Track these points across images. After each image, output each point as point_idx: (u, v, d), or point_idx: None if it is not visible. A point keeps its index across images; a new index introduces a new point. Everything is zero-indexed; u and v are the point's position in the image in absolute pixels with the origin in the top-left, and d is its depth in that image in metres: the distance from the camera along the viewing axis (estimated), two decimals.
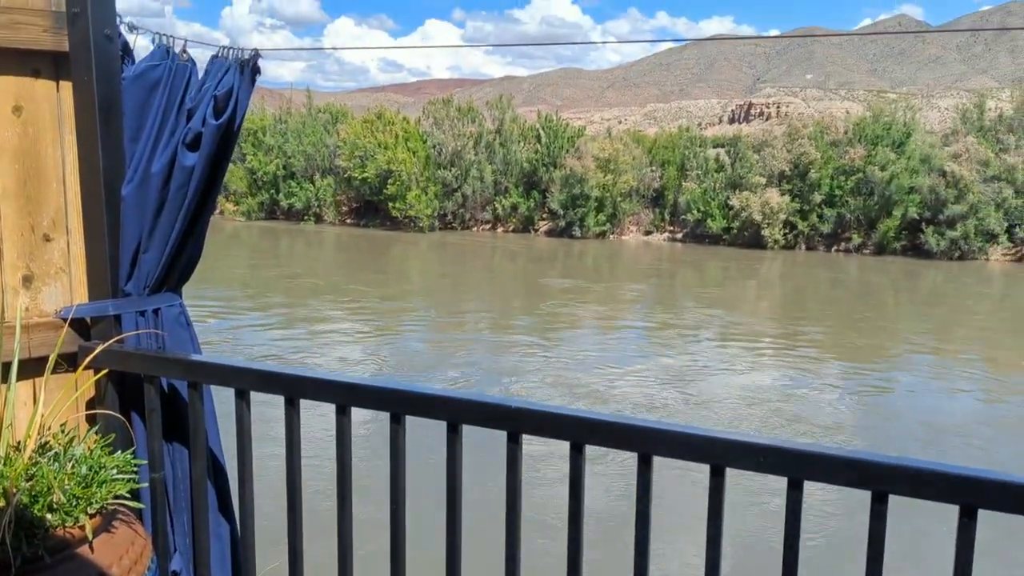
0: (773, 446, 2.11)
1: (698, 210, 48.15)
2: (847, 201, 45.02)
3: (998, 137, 44.27)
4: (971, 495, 1.89)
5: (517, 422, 2.42)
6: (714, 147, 53.75)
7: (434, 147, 54.66)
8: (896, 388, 18.96)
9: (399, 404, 2.64)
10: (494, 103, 56.68)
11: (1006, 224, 42.12)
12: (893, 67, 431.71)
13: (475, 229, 54.87)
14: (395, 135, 53.02)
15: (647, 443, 2.25)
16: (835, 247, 46.23)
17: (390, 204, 52.35)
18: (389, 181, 51.88)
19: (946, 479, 1.92)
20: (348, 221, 57.09)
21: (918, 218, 43.41)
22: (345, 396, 2.71)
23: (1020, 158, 41.89)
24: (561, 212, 50.62)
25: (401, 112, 61.17)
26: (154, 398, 3.00)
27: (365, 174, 52.68)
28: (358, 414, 2.74)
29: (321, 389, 2.78)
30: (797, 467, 2.06)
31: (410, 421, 2.63)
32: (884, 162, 43.75)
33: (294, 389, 2.78)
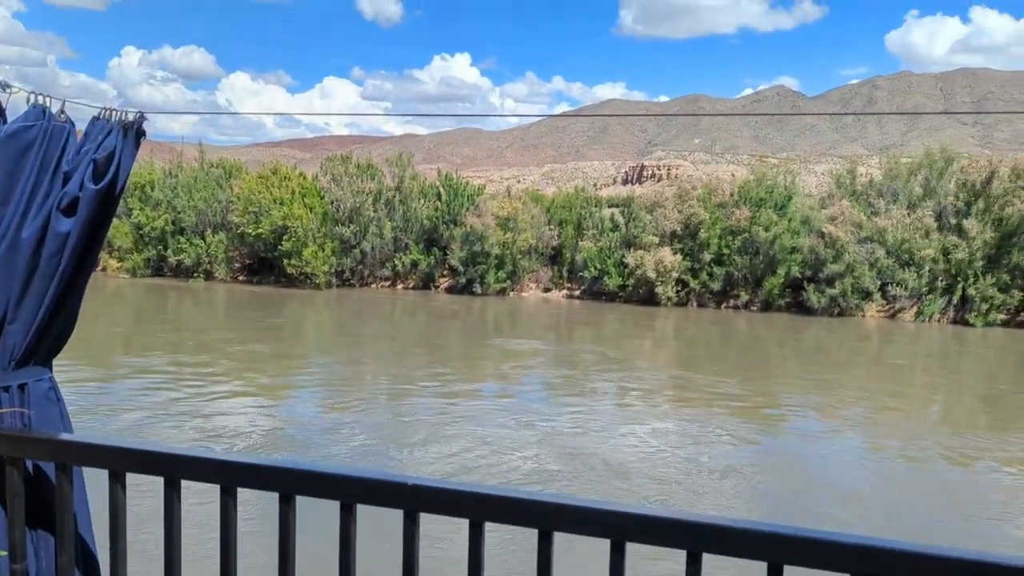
0: (674, 519, 2.08)
1: (595, 268, 49.25)
2: (735, 260, 47.02)
3: (869, 201, 47.44)
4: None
5: (414, 500, 2.33)
6: (609, 207, 55.38)
7: (332, 203, 54.10)
8: (784, 435, 19.64)
9: (288, 483, 2.50)
10: (394, 160, 56.81)
11: (879, 282, 44.86)
12: (774, 134, 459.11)
13: (374, 286, 54.28)
14: (291, 191, 52.23)
15: (546, 519, 2.19)
16: (724, 304, 48.05)
17: (285, 261, 51.24)
18: (284, 237, 50.88)
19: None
20: (240, 278, 55.47)
21: (800, 276, 45.73)
22: (230, 476, 2.54)
23: (890, 221, 44.93)
24: (462, 269, 50.77)
25: (298, 168, 60.43)
26: (17, 482, 2.73)
27: (259, 230, 51.50)
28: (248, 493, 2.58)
29: (204, 469, 2.59)
30: (698, 539, 2.03)
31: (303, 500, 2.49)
32: (768, 223, 46.07)
33: (174, 470, 2.59)
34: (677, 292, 47.55)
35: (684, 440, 18.72)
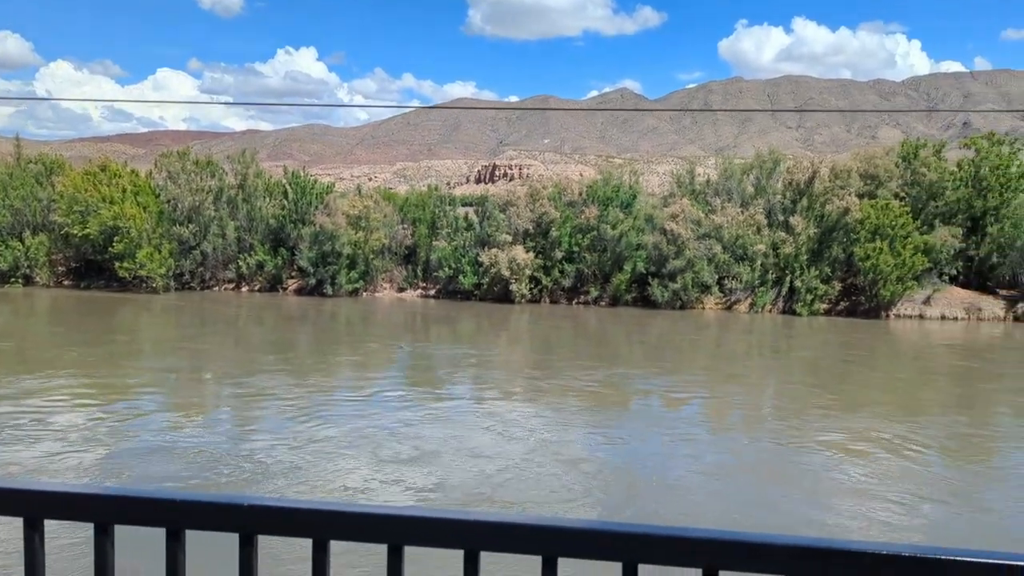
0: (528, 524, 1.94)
1: (450, 267, 49.14)
2: (584, 257, 48.27)
3: (707, 199, 50.02)
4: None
5: (250, 521, 2.03)
6: (463, 206, 55.46)
7: (168, 202, 51.02)
8: (631, 422, 20.25)
9: (105, 512, 2.11)
10: (236, 157, 54.27)
11: (717, 276, 47.41)
12: (618, 135, 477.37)
13: (217, 289, 51.67)
14: (122, 189, 48.80)
15: (396, 534, 1.98)
16: (576, 300, 49.24)
17: (117, 263, 47.79)
18: (116, 238, 47.46)
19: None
20: (66, 283, 51.28)
21: (645, 272, 47.58)
22: (36, 506, 2.13)
23: (725, 218, 47.56)
24: (311, 270, 49.24)
25: (129, 164, 56.55)
26: None
27: (87, 230, 47.76)
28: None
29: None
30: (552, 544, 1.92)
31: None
32: (615, 221, 47.61)
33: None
34: (531, 289, 48.25)
35: (538, 432, 18.88)
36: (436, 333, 39.06)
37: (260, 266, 50.80)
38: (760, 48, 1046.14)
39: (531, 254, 48.03)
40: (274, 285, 51.27)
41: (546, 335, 39.39)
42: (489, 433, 18.97)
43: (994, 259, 47.06)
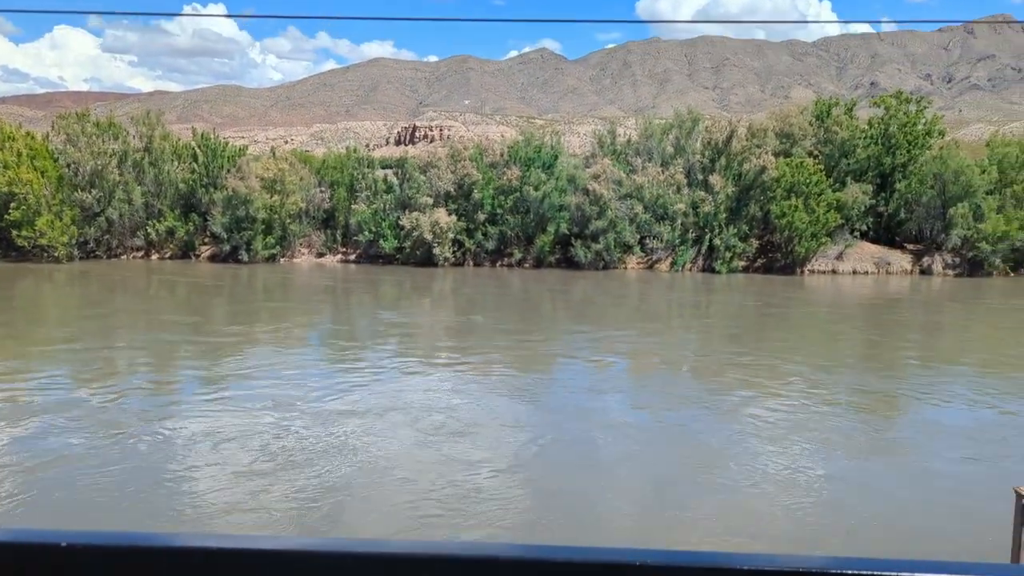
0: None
1: (370, 231, 48.07)
2: (507, 219, 47.91)
3: (628, 160, 50.17)
4: None
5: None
6: (383, 168, 54.17)
7: (69, 166, 48.17)
8: (553, 386, 20.18)
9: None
10: (141, 119, 51.50)
11: (638, 236, 47.79)
12: (539, 96, 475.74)
13: (125, 257, 49.33)
14: (17, 152, 45.76)
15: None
16: (499, 262, 48.95)
17: (15, 232, 45.01)
18: (12, 205, 44.64)
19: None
20: None
21: (568, 233, 47.58)
22: None
23: (646, 178, 47.83)
24: (225, 236, 47.43)
25: (25, 127, 53.05)
26: None
27: None
28: None
29: None
30: None
31: None
32: (537, 183, 47.32)
33: None
34: (454, 252, 47.70)
35: (461, 396, 18.58)
36: (357, 299, 38.22)
37: (170, 232, 48.67)
38: (677, 8, 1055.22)
39: (453, 217, 47.39)
40: (186, 252, 49.24)
41: (471, 298, 39.02)
42: (413, 399, 18.57)
43: (902, 215, 48.85)
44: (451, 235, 47.19)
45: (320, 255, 50.39)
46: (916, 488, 13.95)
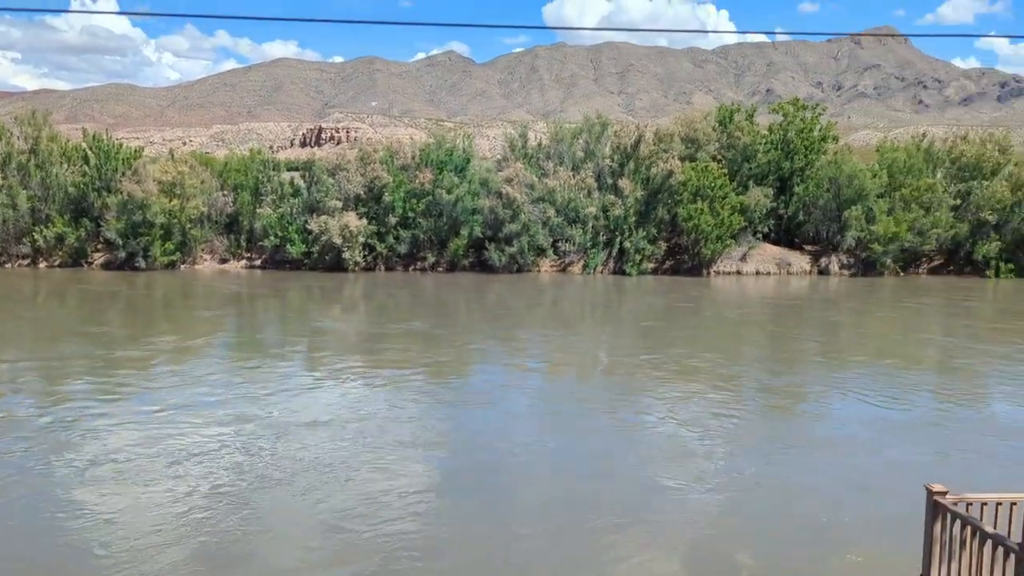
0: None
1: (276, 235, 46.63)
2: (420, 223, 47.33)
3: (540, 163, 50.37)
4: None
5: None
6: (289, 171, 52.64)
7: None
8: (468, 392, 19.94)
9: None
10: (26, 119, 48.44)
11: (551, 239, 48.04)
12: (448, 98, 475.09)
13: (9, 265, 46.29)
14: None
15: None
16: (412, 266, 48.31)
17: None
18: None
19: None
20: None
21: (482, 236, 47.38)
22: None
23: (558, 182, 48.12)
24: (120, 242, 45.09)
25: None
26: None
27: None
28: None
29: None
30: None
31: None
32: (450, 186, 46.93)
33: None
34: (364, 257, 46.80)
35: (371, 405, 18.10)
36: (264, 306, 36.94)
37: (60, 239, 45.92)
38: (583, 14, 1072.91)
39: (364, 220, 46.48)
40: (77, 260, 46.56)
41: (383, 303, 38.29)
42: (322, 410, 17.95)
43: (800, 217, 50.76)
44: (362, 239, 46.27)
45: (223, 261, 48.56)
46: (827, 485, 14.31)
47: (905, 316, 36.41)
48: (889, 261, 47.99)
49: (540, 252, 48.04)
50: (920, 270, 50.32)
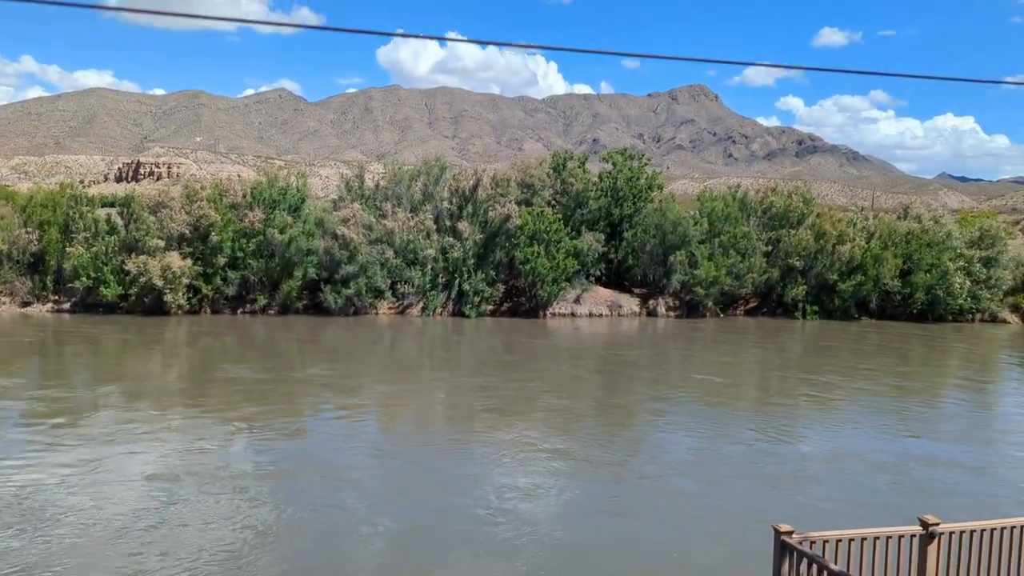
0: None
1: (88, 277, 42.85)
2: (250, 263, 45.15)
3: (377, 204, 49.65)
4: None
5: None
6: (104, 207, 48.73)
7: None
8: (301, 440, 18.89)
9: None
10: None
11: (390, 281, 47.27)
12: (278, 136, 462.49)
13: None
14: None
15: None
16: (241, 309, 45.87)
17: None
18: None
19: None
20: None
21: (317, 278, 45.85)
22: None
23: (396, 223, 47.57)
24: None
25: None
26: None
27: None
28: None
29: None
30: None
31: None
32: (283, 225, 45.18)
33: None
34: (189, 299, 43.92)
35: (191, 462, 16.67)
36: (73, 354, 33.56)
37: None
38: (417, 58, 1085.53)
39: (188, 260, 43.73)
40: None
41: (208, 349, 35.89)
42: (135, 471, 16.31)
43: (630, 261, 53.03)
44: (186, 280, 43.46)
45: (26, 304, 43.98)
46: (671, 526, 14.57)
47: (725, 356, 38.60)
48: (710, 303, 51.00)
49: (378, 294, 47.12)
50: (738, 311, 53.84)
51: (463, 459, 18.52)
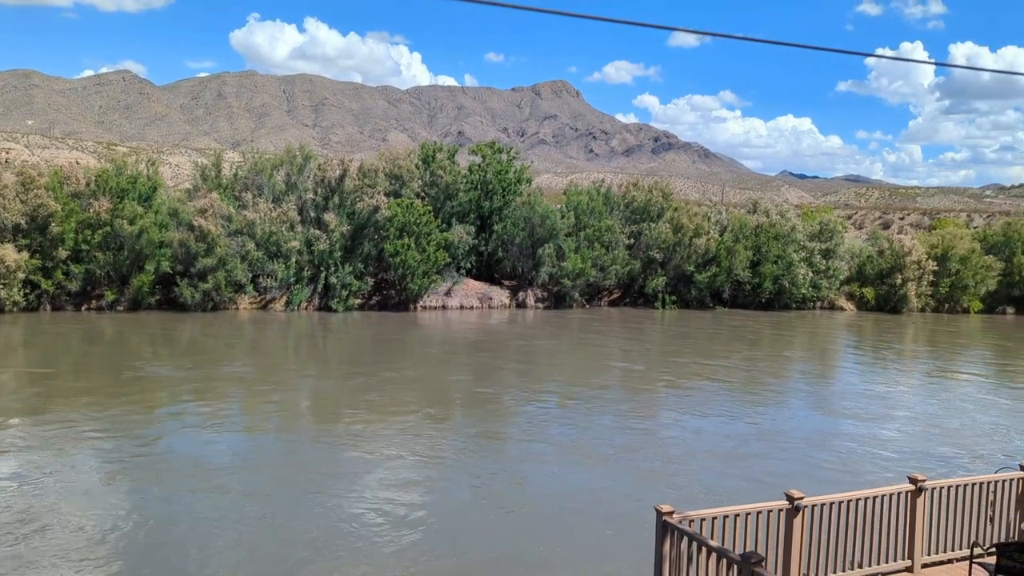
0: None
1: None
2: (96, 256, 42.18)
3: (237, 194, 47.55)
4: None
5: None
6: None
7: None
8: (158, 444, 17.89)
9: None
10: None
11: (251, 275, 45.42)
12: (121, 121, 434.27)
13: None
14: None
15: None
16: (86, 306, 42.81)
17: None
18: None
19: None
20: None
21: (172, 272, 43.43)
22: None
23: (258, 214, 45.74)
24: None
25: None
26: None
27: None
28: None
29: None
30: None
31: None
32: (132, 216, 42.46)
33: None
34: (26, 296, 40.52)
35: (28, 474, 15.44)
36: None
37: None
38: (274, 44, 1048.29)
39: (25, 253, 40.30)
40: None
41: (47, 350, 33.16)
42: None
43: (500, 254, 53.47)
44: (21, 275, 40.06)
45: None
46: (546, 511, 14.80)
47: (591, 345, 39.68)
48: (577, 295, 52.24)
49: (239, 288, 45.21)
50: (602, 302, 55.48)
51: (328, 459, 18.06)
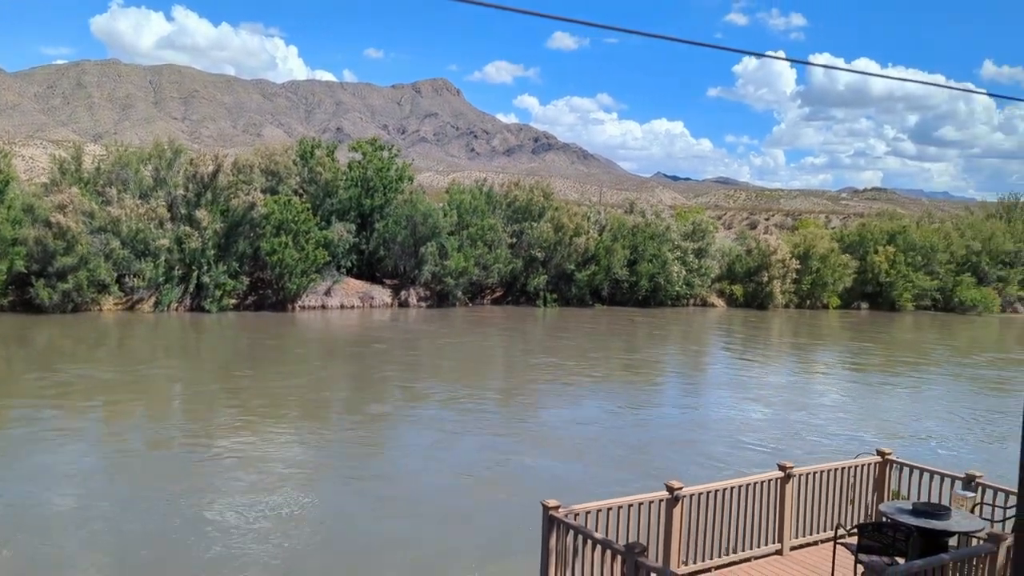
0: None
1: None
2: None
3: (99, 190, 44.80)
4: None
5: None
6: None
7: None
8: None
9: None
10: None
11: (116, 274, 42.94)
12: None
13: None
14: None
15: None
16: None
17: None
18: None
19: None
20: None
21: (26, 271, 40.48)
22: None
23: (123, 210, 43.27)
24: None
25: None
26: None
27: None
28: None
29: None
30: None
31: None
32: None
33: None
34: None
35: None
36: None
37: None
38: (139, 32, 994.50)
39: None
40: None
41: None
42: None
43: (381, 252, 52.78)
44: None
45: None
46: (418, 515, 14.76)
47: (472, 344, 39.84)
48: (460, 293, 52.28)
49: (102, 288, 42.64)
50: (485, 301, 55.76)
51: (192, 470, 17.35)
